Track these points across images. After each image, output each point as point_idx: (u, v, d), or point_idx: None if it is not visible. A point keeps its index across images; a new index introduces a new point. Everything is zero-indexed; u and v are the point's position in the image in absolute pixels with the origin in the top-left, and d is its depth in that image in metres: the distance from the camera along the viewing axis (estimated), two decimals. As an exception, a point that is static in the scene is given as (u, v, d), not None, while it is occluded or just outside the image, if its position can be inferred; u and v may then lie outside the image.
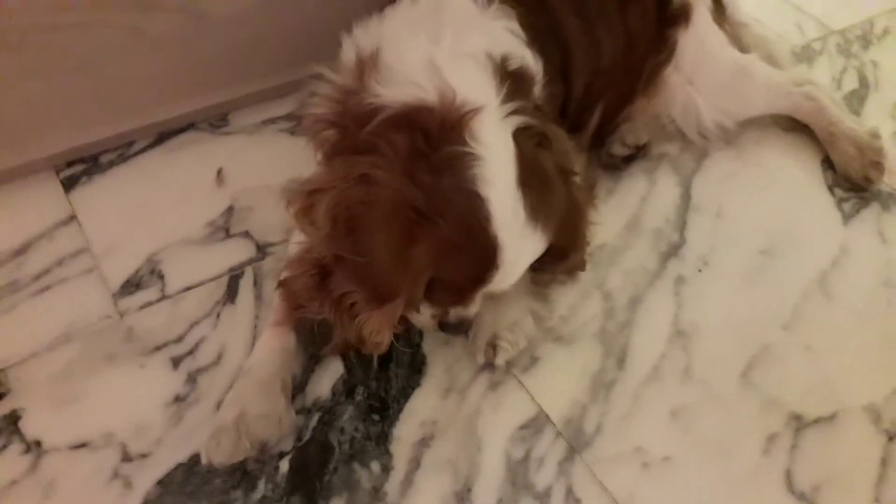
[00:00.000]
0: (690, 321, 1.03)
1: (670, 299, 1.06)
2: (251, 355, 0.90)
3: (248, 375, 0.87)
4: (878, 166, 1.22)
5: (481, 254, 0.80)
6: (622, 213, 1.17)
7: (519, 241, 0.81)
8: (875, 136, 1.24)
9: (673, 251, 1.12)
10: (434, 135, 0.78)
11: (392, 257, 0.78)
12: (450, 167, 0.77)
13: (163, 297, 0.99)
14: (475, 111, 0.79)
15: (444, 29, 0.88)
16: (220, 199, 1.11)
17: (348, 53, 0.90)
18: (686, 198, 1.20)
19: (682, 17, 1.21)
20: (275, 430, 0.84)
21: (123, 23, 1.03)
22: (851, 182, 1.22)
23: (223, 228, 1.08)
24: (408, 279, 0.79)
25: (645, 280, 1.08)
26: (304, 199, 0.82)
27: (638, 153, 1.25)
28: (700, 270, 1.09)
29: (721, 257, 1.11)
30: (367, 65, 0.86)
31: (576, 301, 1.04)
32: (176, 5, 1.04)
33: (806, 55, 1.49)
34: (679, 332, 1.02)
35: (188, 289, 1.00)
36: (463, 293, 0.86)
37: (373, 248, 0.78)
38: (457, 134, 0.78)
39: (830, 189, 1.23)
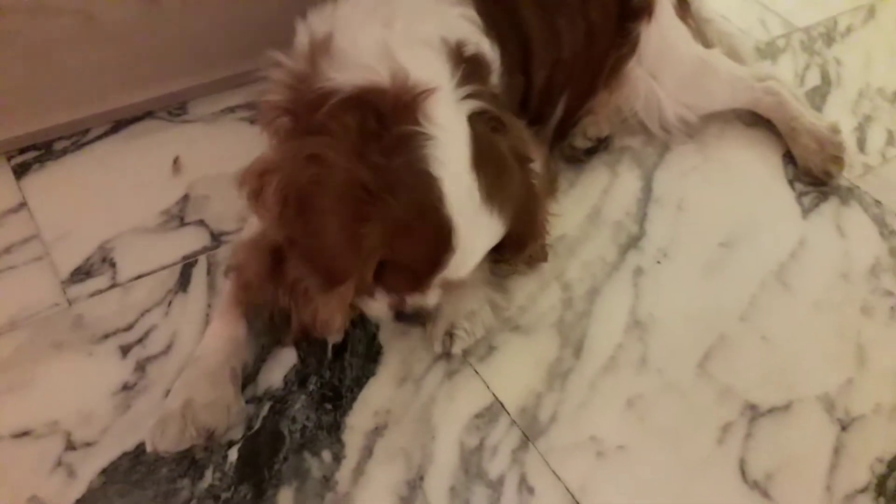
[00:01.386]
0: (648, 312, 1.03)
1: (629, 290, 1.05)
2: (200, 343, 0.88)
3: (197, 363, 0.86)
4: (838, 160, 1.22)
5: (435, 236, 0.79)
6: (583, 204, 1.16)
7: (474, 223, 0.80)
8: (835, 130, 1.25)
9: (633, 243, 1.12)
10: (386, 115, 0.77)
11: (342, 238, 0.77)
12: (402, 147, 0.76)
13: (113, 285, 0.97)
14: (429, 92, 0.78)
15: (397, 14, 0.87)
16: (176, 188, 1.10)
17: (302, 39, 0.89)
18: (647, 191, 1.20)
19: (644, 10, 1.21)
20: (222, 419, 0.83)
21: (76, 8, 1.01)
22: (812, 176, 1.23)
23: (178, 217, 1.06)
24: (359, 260, 0.78)
25: (604, 271, 1.07)
26: (255, 180, 0.81)
27: (600, 146, 1.25)
28: (659, 262, 1.10)
29: (680, 249, 1.11)
30: (320, 49, 0.85)
31: (534, 291, 1.03)
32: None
33: (770, 52, 1.50)
34: (636, 322, 1.01)
35: (140, 277, 0.99)
36: (418, 278, 0.85)
37: (323, 228, 0.78)
38: (409, 114, 0.77)
39: (791, 183, 1.24)
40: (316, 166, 0.76)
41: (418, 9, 0.89)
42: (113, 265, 0.99)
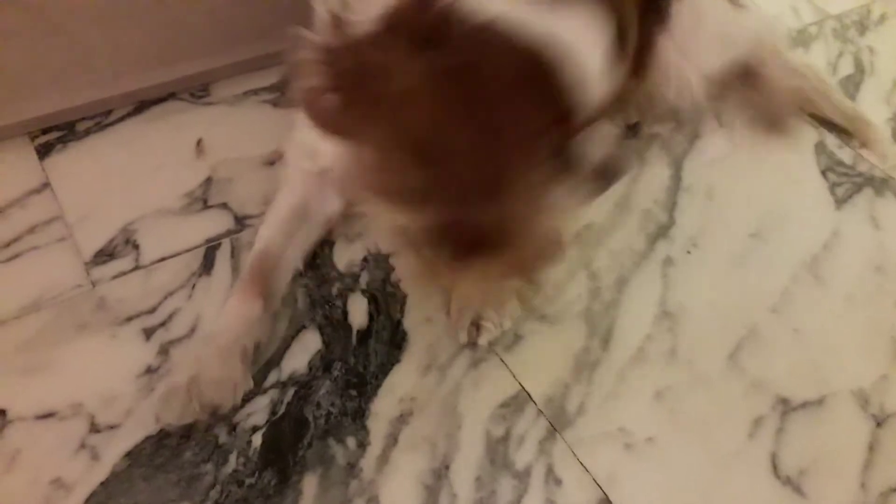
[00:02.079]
0: (677, 302, 1.01)
1: (657, 280, 1.03)
2: (216, 320, 0.88)
3: (209, 340, 0.85)
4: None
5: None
6: (612, 192, 1.14)
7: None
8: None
9: (662, 232, 1.10)
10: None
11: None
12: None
13: (137, 268, 0.96)
14: None
15: None
16: (199, 170, 1.08)
17: (321, 11, 0.84)
18: (676, 179, 1.18)
19: None
20: (228, 396, 0.82)
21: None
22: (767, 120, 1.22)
23: (201, 199, 1.05)
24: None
25: (632, 260, 1.05)
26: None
27: (628, 132, 1.23)
28: (689, 252, 1.07)
29: (710, 239, 1.09)
30: (341, 14, 0.75)
31: (561, 280, 1.01)
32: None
33: (802, 40, 1.47)
34: (666, 313, 0.99)
35: (163, 259, 0.97)
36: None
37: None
38: None
39: (823, 173, 1.21)
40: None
41: None
42: (136, 247, 0.98)
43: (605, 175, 0.77)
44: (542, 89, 0.66)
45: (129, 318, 0.91)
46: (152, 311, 0.92)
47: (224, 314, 0.88)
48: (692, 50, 1.18)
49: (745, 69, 1.25)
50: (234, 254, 0.99)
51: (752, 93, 1.25)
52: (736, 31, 1.21)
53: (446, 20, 0.66)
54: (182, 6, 1.09)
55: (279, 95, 1.20)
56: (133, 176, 1.07)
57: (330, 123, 0.71)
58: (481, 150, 0.65)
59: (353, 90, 0.70)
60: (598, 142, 0.74)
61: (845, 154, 1.24)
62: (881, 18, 1.55)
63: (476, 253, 0.70)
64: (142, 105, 1.15)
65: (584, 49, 0.68)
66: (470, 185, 0.65)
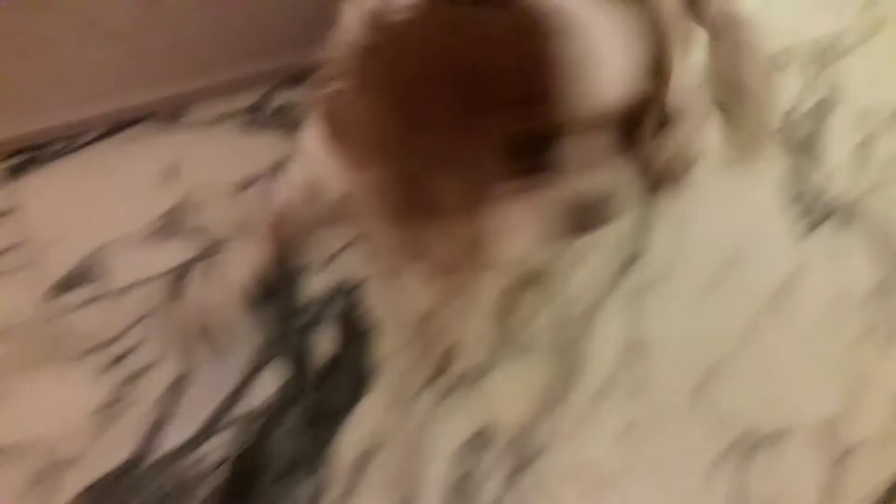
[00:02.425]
0: (646, 334, 1.02)
1: (626, 311, 1.04)
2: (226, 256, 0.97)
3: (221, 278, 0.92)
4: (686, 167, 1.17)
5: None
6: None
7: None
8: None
9: (632, 261, 1.10)
10: None
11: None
12: None
13: (104, 294, 0.95)
14: None
15: None
16: (172, 194, 1.08)
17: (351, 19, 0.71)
18: (646, 208, 1.19)
19: None
20: (223, 323, 0.90)
21: (76, 7, 0.99)
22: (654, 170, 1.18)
23: (172, 224, 1.04)
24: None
25: (602, 290, 1.06)
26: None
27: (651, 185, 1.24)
28: (658, 283, 1.08)
29: (679, 270, 1.10)
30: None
31: (533, 311, 1.02)
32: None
33: (775, 65, 1.48)
34: (634, 345, 1.00)
35: (131, 286, 0.97)
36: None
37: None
38: None
39: (792, 201, 1.23)
40: None
41: None
42: (104, 274, 0.98)
43: (587, 216, 0.69)
44: (527, 60, 0.60)
45: (94, 348, 0.90)
46: (117, 339, 0.92)
47: (235, 258, 0.94)
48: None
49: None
50: (205, 280, 0.98)
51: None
52: None
53: None
54: (159, 27, 1.08)
55: (256, 118, 1.19)
56: (104, 199, 1.06)
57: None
58: (450, 115, 0.61)
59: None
60: (597, 169, 0.65)
61: (812, 182, 1.26)
62: (853, 45, 1.57)
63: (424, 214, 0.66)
64: (115, 127, 1.15)
65: (599, 32, 0.60)
66: (433, 145, 0.62)
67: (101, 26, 1.04)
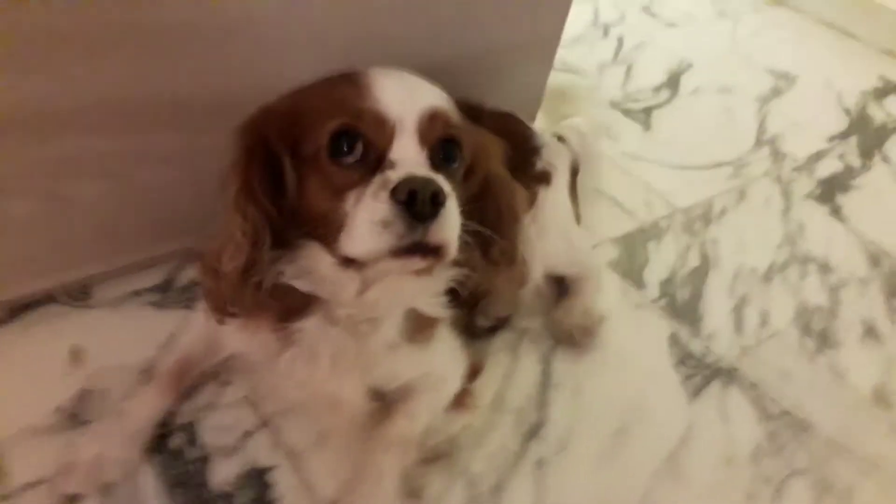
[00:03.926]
0: (551, 507, 1.06)
1: (531, 484, 1.08)
2: (130, 398, 1.01)
3: (120, 418, 0.97)
4: (589, 332, 1.32)
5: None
6: (488, 390, 1.20)
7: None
8: (601, 316, 1.35)
9: (534, 431, 1.16)
10: None
11: None
12: None
13: (3, 497, 0.92)
14: None
15: None
16: (74, 381, 1.06)
17: None
18: (546, 374, 1.26)
19: (544, 178, 1.30)
20: (121, 475, 0.94)
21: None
22: (557, 333, 1.32)
23: (73, 414, 1.02)
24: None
25: (508, 463, 1.10)
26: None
27: (500, 325, 1.31)
28: (558, 453, 1.13)
29: (578, 438, 1.16)
30: None
31: (441, 489, 1.04)
32: (35, 189, 1.02)
33: (654, 233, 1.62)
34: (539, 519, 1.04)
35: (31, 485, 0.94)
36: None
37: None
38: None
39: (676, 366, 1.33)
40: None
41: None
42: (2, 472, 0.94)
43: None
44: None
45: (-13, 560, 0.86)
46: (14, 547, 0.88)
47: (137, 400, 1.00)
48: (544, 240, 1.28)
49: (567, 280, 1.38)
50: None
51: (563, 301, 1.36)
52: (571, 244, 1.34)
53: None
54: (65, 219, 1.09)
55: (163, 296, 1.21)
56: (2, 390, 1.04)
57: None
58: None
59: None
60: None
61: (695, 346, 1.37)
62: (722, 211, 1.74)
63: None
64: (15, 310, 1.14)
65: None
66: None
67: (8, 223, 1.04)
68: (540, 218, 1.29)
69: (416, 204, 0.70)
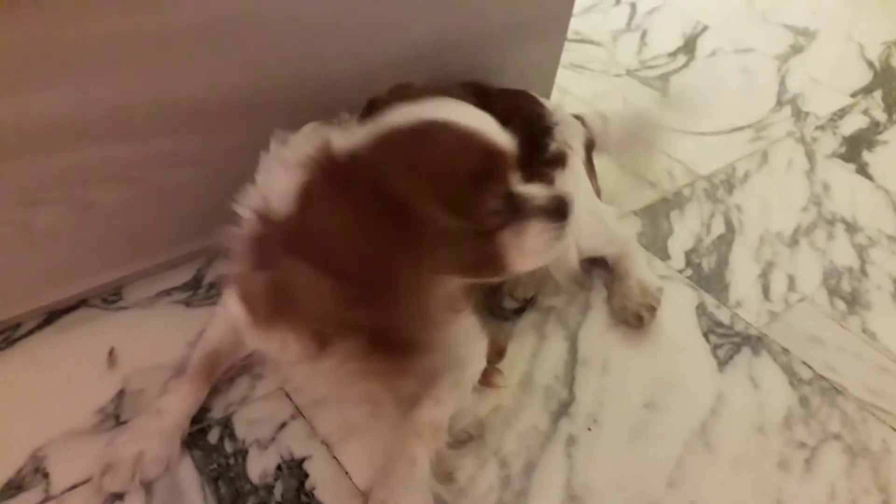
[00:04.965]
0: (582, 483, 1.07)
1: (563, 462, 1.09)
2: (164, 396, 1.02)
3: (157, 416, 1.00)
4: (652, 309, 1.31)
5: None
6: (515, 371, 1.21)
7: None
8: (659, 288, 1.34)
9: (563, 409, 1.17)
10: None
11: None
12: None
13: (47, 499, 0.95)
14: None
15: None
16: (111, 383, 1.09)
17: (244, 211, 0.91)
18: (573, 352, 1.26)
19: (559, 160, 1.29)
20: (163, 472, 0.97)
21: (11, 219, 1.02)
22: (624, 316, 1.31)
23: (113, 416, 1.05)
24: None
25: (538, 442, 1.11)
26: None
27: (527, 306, 1.32)
28: (589, 429, 1.14)
29: (608, 414, 1.17)
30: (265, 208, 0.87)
31: (473, 471, 1.06)
32: (60, 198, 1.04)
33: (677, 202, 1.61)
34: (572, 497, 1.05)
35: (75, 487, 0.97)
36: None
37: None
38: None
39: (705, 336, 1.32)
40: None
41: None
42: (46, 476, 0.98)
43: None
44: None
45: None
46: (63, 549, 0.91)
47: (174, 394, 1.03)
48: (574, 224, 1.28)
49: (609, 261, 1.39)
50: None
51: (615, 286, 1.36)
52: (603, 223, 1.35)
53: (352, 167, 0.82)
54: (94, 226, 1.11)
55: (192, 294, 1.23)
56: (43, 394, 1.07)
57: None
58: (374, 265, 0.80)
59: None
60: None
61: (723, 314, 1.36)
62: (745, 176, 1.72)
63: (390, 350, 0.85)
64: (52, 315, 1.17)
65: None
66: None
67: (36, 232, 1.06)
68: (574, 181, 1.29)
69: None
